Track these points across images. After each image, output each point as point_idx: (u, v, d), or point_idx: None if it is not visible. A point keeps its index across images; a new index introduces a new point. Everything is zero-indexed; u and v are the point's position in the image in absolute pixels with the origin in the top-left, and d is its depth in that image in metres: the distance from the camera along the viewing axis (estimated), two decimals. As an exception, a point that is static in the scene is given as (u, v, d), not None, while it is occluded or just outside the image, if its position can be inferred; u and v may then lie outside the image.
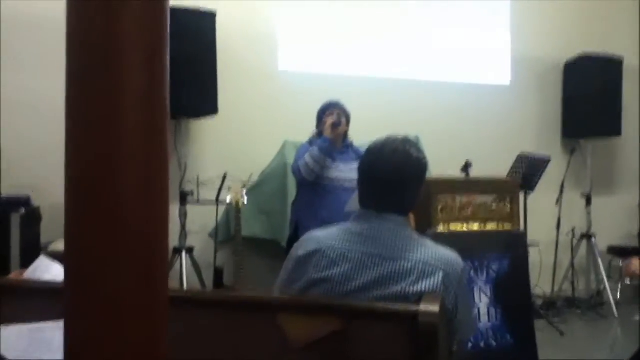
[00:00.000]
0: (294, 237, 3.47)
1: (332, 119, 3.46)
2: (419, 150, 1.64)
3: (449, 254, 1.52)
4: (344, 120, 3.51)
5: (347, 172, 3.43)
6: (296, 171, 3.46)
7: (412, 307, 1.31)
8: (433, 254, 1.48)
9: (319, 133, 3.54)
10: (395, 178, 1.55)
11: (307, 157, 3.37)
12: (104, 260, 0.68)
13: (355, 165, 3.54)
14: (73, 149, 0.69)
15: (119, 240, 0.68)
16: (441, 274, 1.45)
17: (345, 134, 3.57)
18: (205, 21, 4.13)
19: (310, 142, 3.52)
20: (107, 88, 0.68)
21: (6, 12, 3.88)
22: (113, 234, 0.68)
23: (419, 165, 1.60)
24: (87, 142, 0.69)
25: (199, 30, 4.08)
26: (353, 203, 3.04)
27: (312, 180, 3.39)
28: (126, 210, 0.68)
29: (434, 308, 1.30)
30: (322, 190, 3.40)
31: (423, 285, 1.42)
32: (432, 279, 1.44)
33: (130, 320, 0.68)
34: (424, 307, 1.30)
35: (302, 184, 3.52)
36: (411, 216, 1.69)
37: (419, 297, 1.38)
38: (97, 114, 0.68)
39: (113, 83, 0.68)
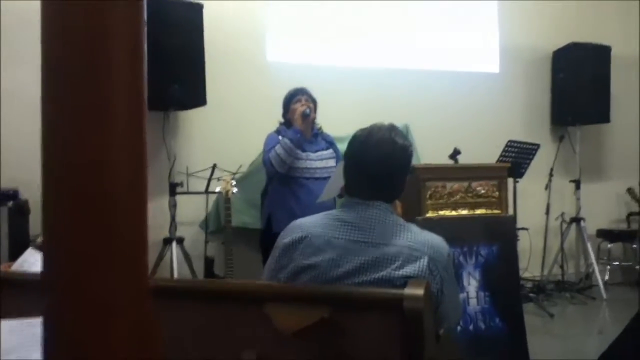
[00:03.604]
0: (267, 231, 3.36)
1: (301, 107, 3.37)
2: (405, 137, 1.65)
3: (434, 239, 1.53)
4: (312, 106, 3.42)
5: (317, 161, 3.36)
6: (267, 163, 3.34)
7: (398, 292, 1.32)
8: (418, 239, 1.50)
9: (287, 122, 3.45)
10: (381, 166, 1.56)
11: (279, 149, 3.26)
12: (83, 256, 0.68)
13: (326, 153, 3.49)
14: (50, 143, 0.70)
15: (99, 234, 0.68)
16: (426, 259, 1.46)
17: (313, 122, 3.47)
18: (193, 13, 4.11)
19: (278, 132, 3.41)
20: (92, 83, 0.68)
21: (4, 9, 3.84)
22: (93, 230, 0.68)
23: (405, 153, 1.61)
24: (64, 138, 0.69)
25: (187, 22, 4.06)
26: (325, 194, 3.04)
27: (283, 172, 3.31)
28: (110, 206, 0.69)
29: (419, 292, 1.31)
30: (293, 181, 3.32)
31: (408, 270, 1.44)
32: (418, 264, 1.45)
33: (113, 318, 0.68)
34: (409, 291, 1.31)
35: (272, 176, 3.42)
36: (397, 203, 1.70)
37: (405, 282, 1.39)
38: (76, 110, 0.68)
39: (98, 78, 0.68)
